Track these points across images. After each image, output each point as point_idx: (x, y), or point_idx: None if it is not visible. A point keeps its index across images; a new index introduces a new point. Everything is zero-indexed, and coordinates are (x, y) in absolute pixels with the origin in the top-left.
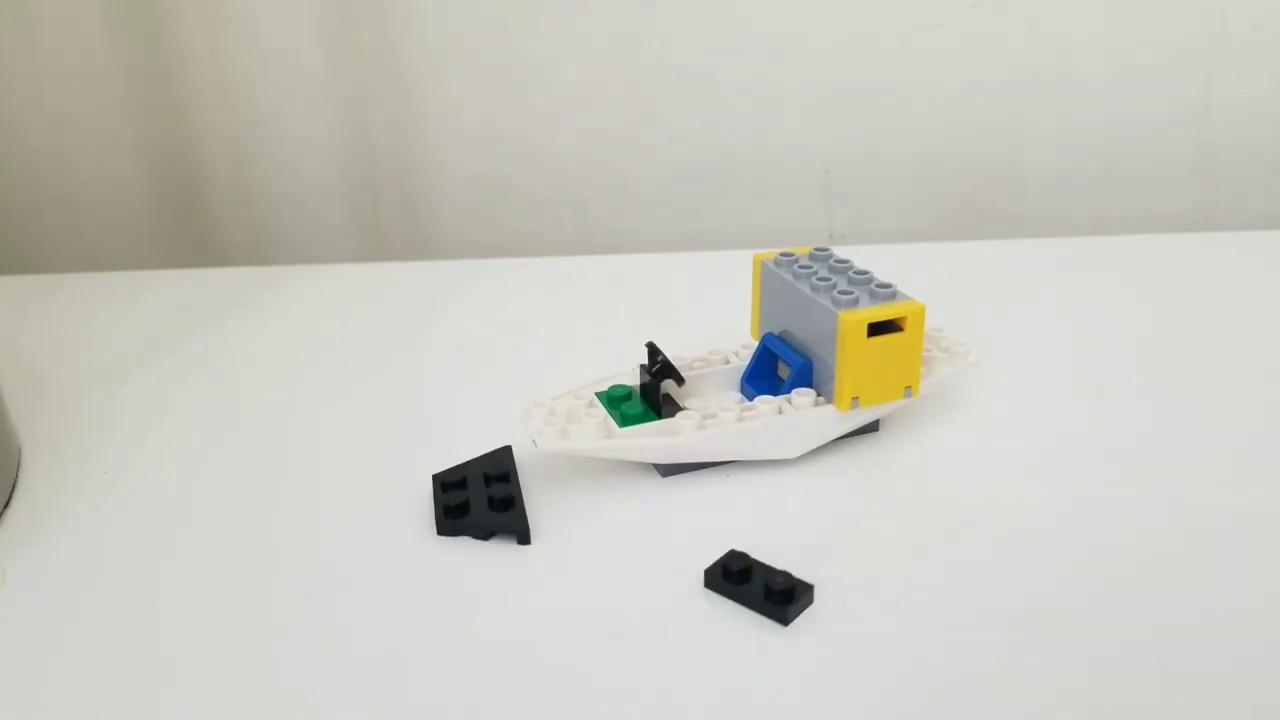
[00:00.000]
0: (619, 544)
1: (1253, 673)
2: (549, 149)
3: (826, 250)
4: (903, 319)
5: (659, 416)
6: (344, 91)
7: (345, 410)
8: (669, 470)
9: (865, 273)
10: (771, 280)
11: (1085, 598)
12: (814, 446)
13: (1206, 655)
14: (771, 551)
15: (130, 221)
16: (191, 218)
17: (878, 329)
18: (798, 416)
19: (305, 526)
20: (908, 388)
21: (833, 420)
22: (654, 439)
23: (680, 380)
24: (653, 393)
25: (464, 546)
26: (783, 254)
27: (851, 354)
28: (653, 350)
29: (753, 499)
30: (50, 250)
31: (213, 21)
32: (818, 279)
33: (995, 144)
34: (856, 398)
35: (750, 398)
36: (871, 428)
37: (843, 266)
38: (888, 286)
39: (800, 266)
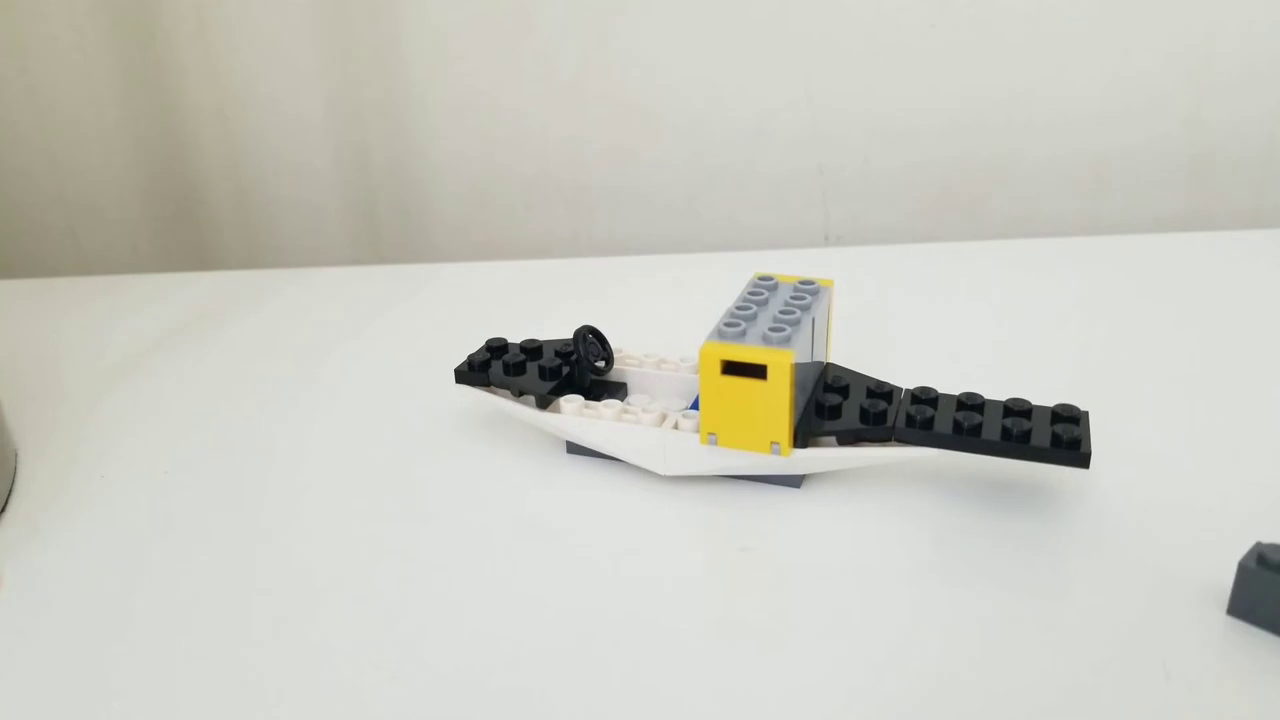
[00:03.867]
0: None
1: None
2: (545, 150)
3: (812, 283)
4: (764, 366)
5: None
6: (340, 95)
7: (343, 412)
8: (572, 449)
9: (798, 306)
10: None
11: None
12: (687, 473)
13: None
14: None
15: (127, 226)
16: (188, 222)
17: (736, 369)
18: (670, 436)
19: (303, 527)
20: (774, 443)
21: (702, 452)
22: (542, 412)
23: (598, 370)
24: (581, 372)
25: (462, 542)
26: (762, 277)
27: (708, 387)
28: (582, 335)
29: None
30: (48, 254)
31: (209, 26)
32: (759, 302)
33: (991, 143)
34: (714, 434)
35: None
36: (791, 482)
37: (798, 301)
38: (783, 329)
39: (761, 289)
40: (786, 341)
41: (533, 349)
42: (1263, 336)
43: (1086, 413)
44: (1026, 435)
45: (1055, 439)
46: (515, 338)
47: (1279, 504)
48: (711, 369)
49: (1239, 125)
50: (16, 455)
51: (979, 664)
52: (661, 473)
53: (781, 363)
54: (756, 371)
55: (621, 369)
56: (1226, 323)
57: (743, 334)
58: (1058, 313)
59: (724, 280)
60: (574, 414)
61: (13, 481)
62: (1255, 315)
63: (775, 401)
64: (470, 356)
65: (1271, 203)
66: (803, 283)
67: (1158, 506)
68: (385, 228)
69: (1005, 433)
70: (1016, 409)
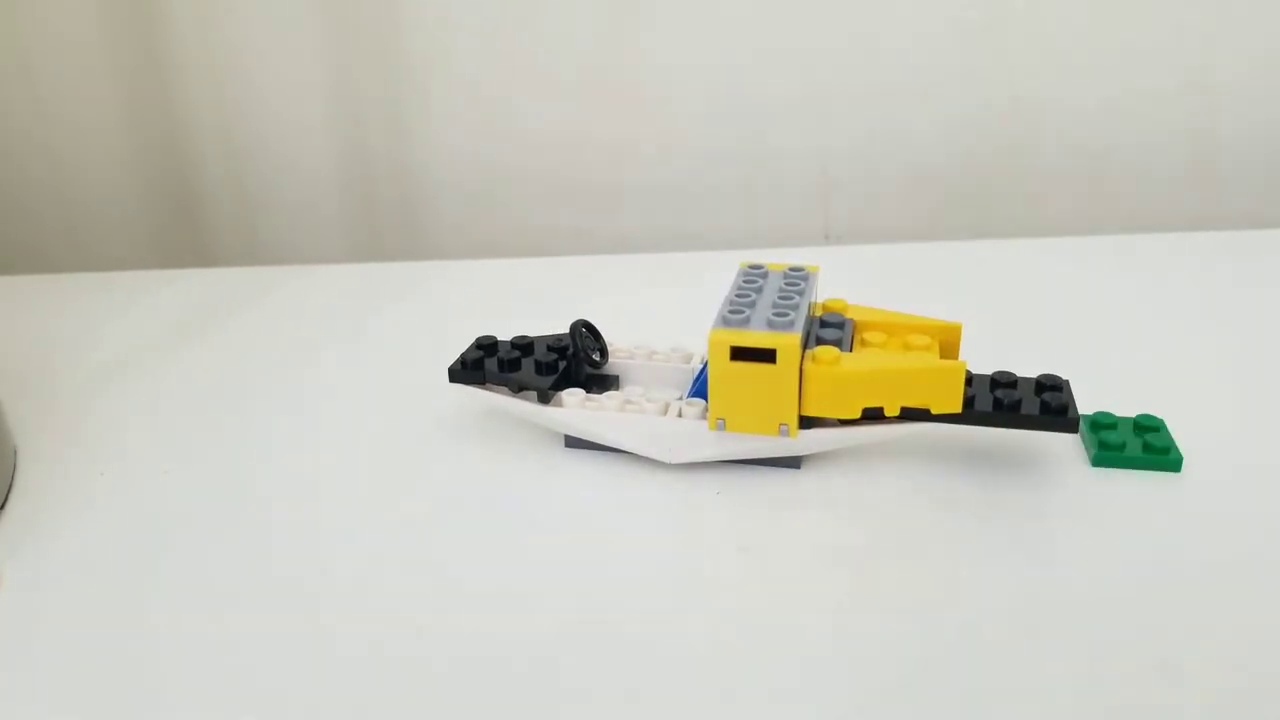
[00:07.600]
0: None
1: None
2: (545, 149)
3: (801, 269)
4: (774, 350)
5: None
6: (340, 92)
7: (343, 409)
8: (571, 442)
9: (794, 292)
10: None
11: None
12: (692, 460)
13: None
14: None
15: (127, 222)
16: (187, 218)
17: (744, 354)
18: (675, 424)
19: (303, 525)
20: (783, 425)
21: (707, 438)
22: (544, 407)
23: (595, 363)
24: (578, 366)
25: (467, 538)
26: (751, 266)
27: (717, 374)
28: (577, 328)
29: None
30: (46, 250)
31: (208, 23)
32: (755, 289)
33: (991, 143)
34: (723, 420)
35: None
36: (791, 464)
37: (793, 287)
38: (786, 314)
39: (754, 277)
40: (791, 326)
41: (525, 345)
42: (1262, 336)
43: (1068, 381)
44: (1017, 405)
45: (1044, 406)
46: (510, 335)
47: (1274, 493)
48: (720, 355)
49: (1241, 125)
50: (16, 454)
51: (982, 640)
52: (667, 461)
53: (789, 346)
54: (765, 356)
55: (614, 361)
56: (1226, 323)
57: (746, 320)
58: (1057, 312)
59: (720, 278)
60: (577, 407)
61: (12, 480)
62: (1255, 315)
63: (784, 384)
64: (462, 355)
65: (1273, 202)
66: (791, 269)
67: (1158, 500)
68: (385, 225)
69: (997, 404)
70: (1003, 381)
